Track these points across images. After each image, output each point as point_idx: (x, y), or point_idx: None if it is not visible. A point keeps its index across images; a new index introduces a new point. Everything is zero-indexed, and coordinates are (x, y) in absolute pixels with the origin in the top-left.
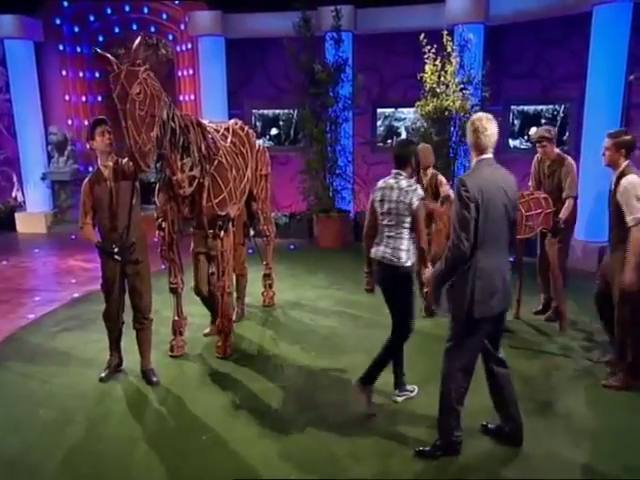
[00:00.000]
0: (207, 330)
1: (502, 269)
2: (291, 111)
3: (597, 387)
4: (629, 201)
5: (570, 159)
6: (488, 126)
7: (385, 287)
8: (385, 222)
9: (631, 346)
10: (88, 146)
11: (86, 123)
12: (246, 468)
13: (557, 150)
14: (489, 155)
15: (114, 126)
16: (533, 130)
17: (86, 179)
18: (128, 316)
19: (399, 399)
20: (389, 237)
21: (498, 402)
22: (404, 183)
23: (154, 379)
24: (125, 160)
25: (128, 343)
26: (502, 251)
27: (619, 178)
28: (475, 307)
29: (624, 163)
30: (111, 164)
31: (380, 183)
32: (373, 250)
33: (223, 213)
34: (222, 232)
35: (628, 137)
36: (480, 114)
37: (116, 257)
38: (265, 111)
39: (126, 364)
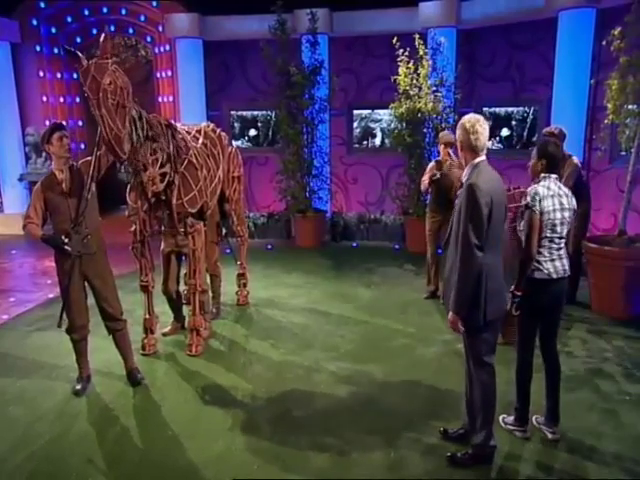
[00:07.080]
0: (166, 330)
1: (500, 269)
2: (269, 112)
3: None
4: None
5: (575, 158)
6: (482, 127)
7: (557, 305)
8: (557, 233)
9: None
10: (44, 150)
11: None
12: (208, 460)
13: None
14: (484, 157)
15: (91, 126)
16: (505, 131)
17: (38, 182)
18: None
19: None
20: (560, 249)
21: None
22: (564, 188)
23: (139, 376)
24: (81, 162)
25: (96, 341)
26: (499, 251)
27: None
28: (488, 309)
29: None
30: (66, 168)
31: (541, 191)
32: (548, 268)
33: (194, 210)
34: (193, 230)
35: None
36: (471, 116)
37: (66, 247)
38: (243, 112)
39: (95, 362)
